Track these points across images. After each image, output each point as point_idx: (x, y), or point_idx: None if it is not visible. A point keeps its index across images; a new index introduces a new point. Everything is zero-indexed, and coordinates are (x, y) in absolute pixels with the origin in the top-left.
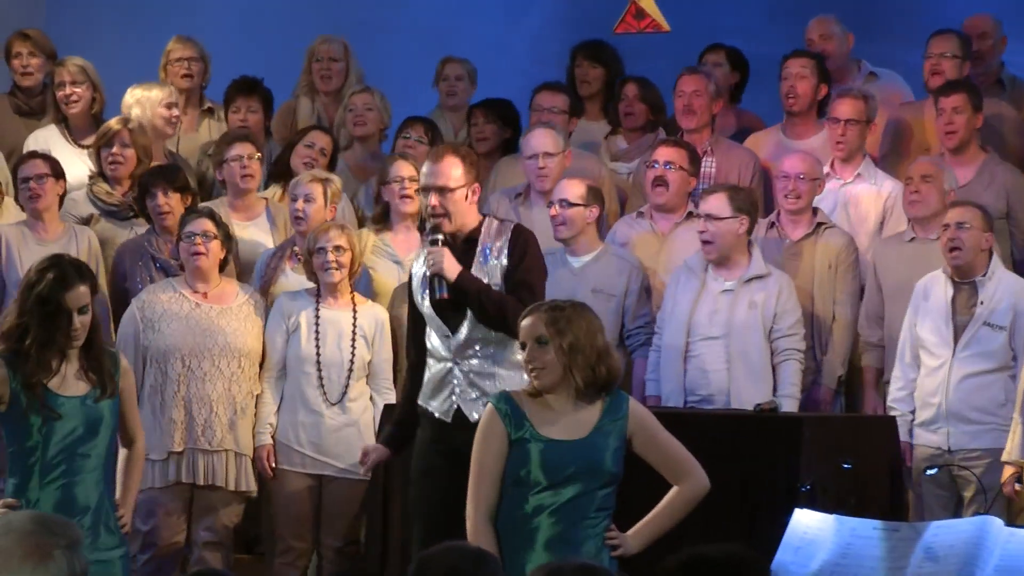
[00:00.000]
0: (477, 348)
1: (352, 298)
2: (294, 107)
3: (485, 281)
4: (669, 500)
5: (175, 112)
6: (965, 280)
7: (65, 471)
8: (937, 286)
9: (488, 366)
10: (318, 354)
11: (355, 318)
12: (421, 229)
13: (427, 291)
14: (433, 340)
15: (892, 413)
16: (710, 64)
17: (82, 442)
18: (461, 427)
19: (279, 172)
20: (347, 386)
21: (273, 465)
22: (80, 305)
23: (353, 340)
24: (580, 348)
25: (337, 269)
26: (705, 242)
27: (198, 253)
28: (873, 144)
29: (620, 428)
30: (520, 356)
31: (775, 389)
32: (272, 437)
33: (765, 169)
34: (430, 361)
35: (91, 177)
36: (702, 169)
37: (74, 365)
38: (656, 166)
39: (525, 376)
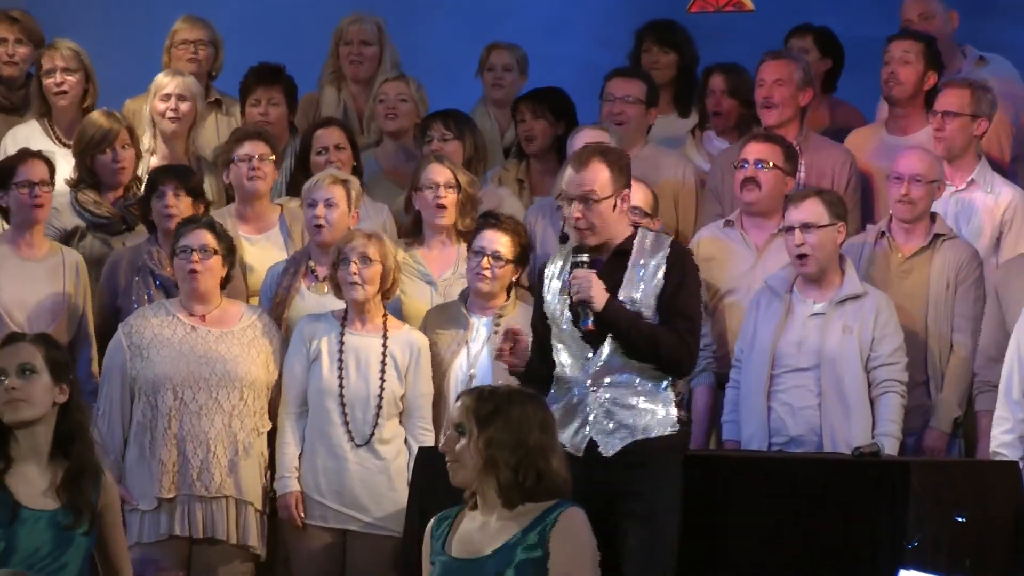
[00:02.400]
0: (619, 374)
1: (384, 321)
2: (317, 99)
3: (637, 296)
4: None
5: (175, 104)
6: None
7: None
8: None
9: (629, 396)
10: (341, 387)
11: (385, 345)
12: (563, 239)
13: (561, 306)
14: (565, 361)
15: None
16: (796, 49)
17: (47, 568)
18: (595, 463)
19: (299, 186)
20: (376, 425)
21: (302, 515)
22: (17, 363)
23: (383, 371)
24: (502, 444)
25: (362, 285)
26: (802, 256)
27: (194, 271)
28: (995, 144)
29: (536, 551)
30: (669, 390)
31: (873, 427)
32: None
33: (864, 172)
34: (558, 386)
35: (74, 184)
36: None
37: (46, 473)
38: (746, 166)
39: (671, 411)
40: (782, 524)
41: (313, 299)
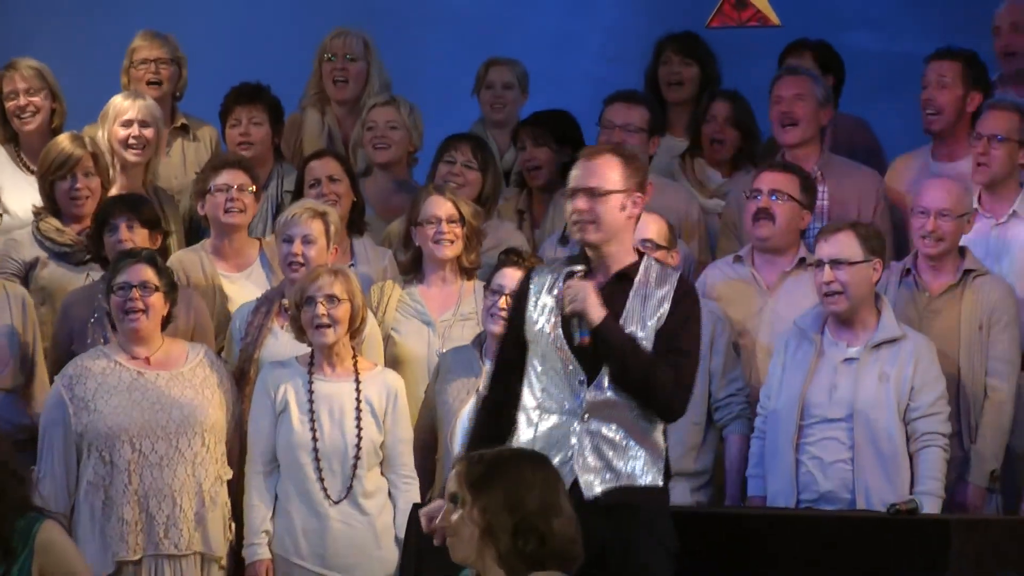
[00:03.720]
0: (616, 409)
1: (355, 364)
2: (300, 122)
3: (636, 328)
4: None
5: (137, 131)
6: None
7: None
8: None
9: (622, 436)
10: (314, 439)
11: (359, 389)
12: (564, 240)
13: (551, 324)
14: (552, 386)
15: None
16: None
17: None
18: (576, 507)
19: None
20: (354, 477)
21: None
22: None
23: (358, 418)
24: (497, 509)
25: (330, 327)
26: (832, 293)
27: (134, 310)
28: None
29: None
30: (660, 435)
31: (912, 484)
32: (269, 548)
33: (899, 202)
34: (539, 413)
35: (37, 212)
36: None
37: None
38: (759, 197)
39: (660, 463)
40: None
41: (287, 339)
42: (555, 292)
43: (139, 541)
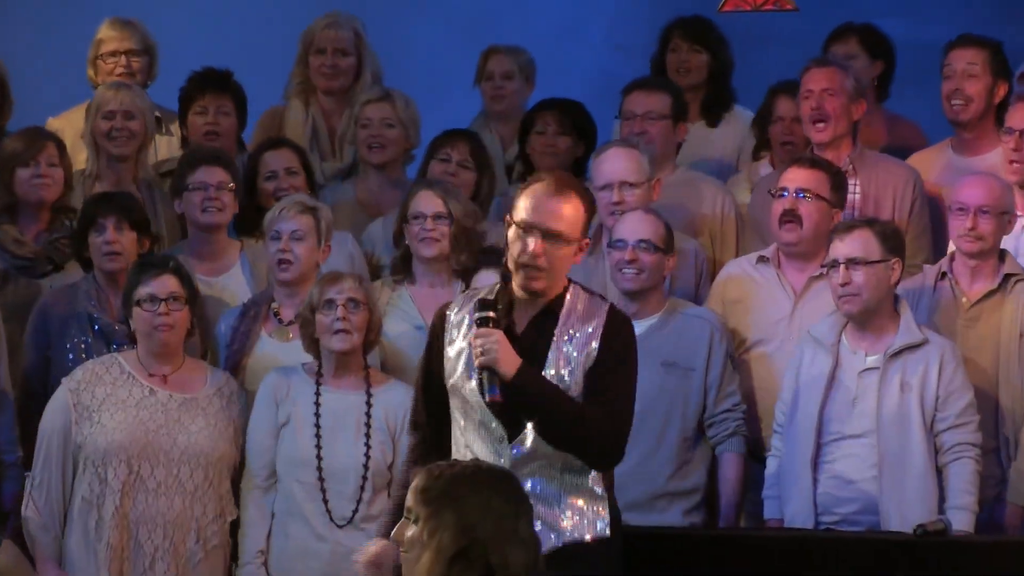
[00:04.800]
0: (543, 466)
1: (366, 375)
2: (281, 114)
3: (562, 370)
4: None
5: (121, 123)
6: None
7: None
8: None
9: (554, 489)
10: (319, 456)
11: (369, 403)
12: (505, 278)
13: (466, 374)
14: (475, 443)
15: None
16: (840, 56)
17: None
18: None
19: (248, 221)
20: (360, 500)
21: None
22: None
23: (367, 435)
24: (446, 533)
25: (350, 332)
26: (848, 295)
27: (165, 326)
28: None
29: None
30: (598, 482)
31: (941, 501)
32: (265, 569)
33: (933, 195)
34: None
35: None
36: None
37: None
38: (785, 195)
39: (602, 509)
40: None
41: (276, 347)
42: (464, 317)
43: (123, 571)
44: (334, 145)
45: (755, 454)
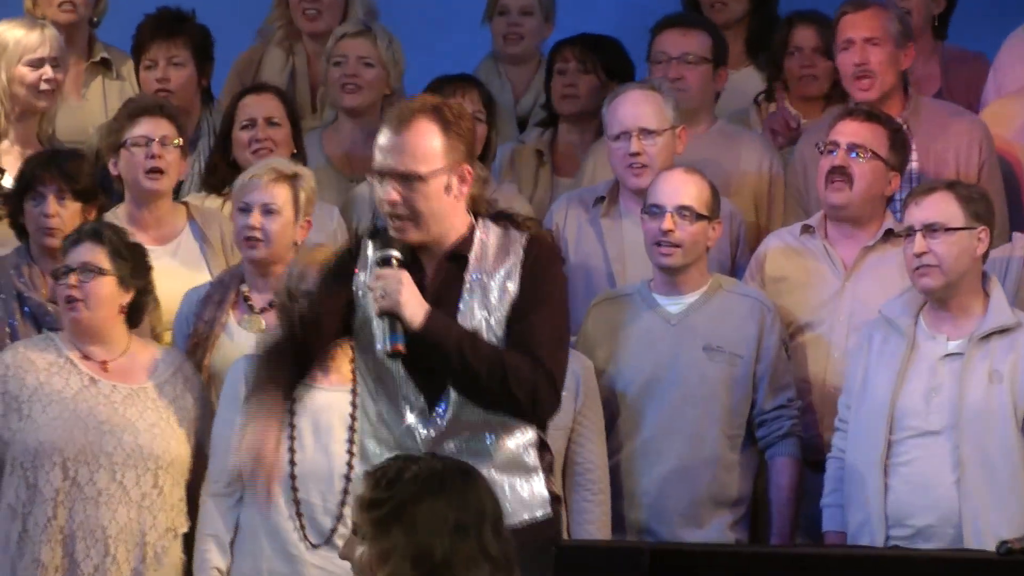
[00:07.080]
0: (468, 437)
1: (352, 370)
2: (258, 59)
3: (478, 321)
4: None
5: (50, 72)
6: None
7: None
8: None
9: (480, 466)
10: (292, 463)
11: (354, 404)
12: (374, 234)
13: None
14: (386, 411)
15: None
16: None
17: None
18: None
19: (217, 176)
20: (341, 515)
21: None
22: None
23: (350, 440)
24: (400, 558)
25: None
26: (925, 267)
27: (73, 299)
28: None
29: None
30: (531, 453)
31: None
32: None
33: (1008, 156)
34: (375, 444)
35: None
36: None
37: None
38: (835, 152)
39: (538, 487)
40: None
41: (246, 337)
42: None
43: None
44: (314, 100)
45: (808, 459)
